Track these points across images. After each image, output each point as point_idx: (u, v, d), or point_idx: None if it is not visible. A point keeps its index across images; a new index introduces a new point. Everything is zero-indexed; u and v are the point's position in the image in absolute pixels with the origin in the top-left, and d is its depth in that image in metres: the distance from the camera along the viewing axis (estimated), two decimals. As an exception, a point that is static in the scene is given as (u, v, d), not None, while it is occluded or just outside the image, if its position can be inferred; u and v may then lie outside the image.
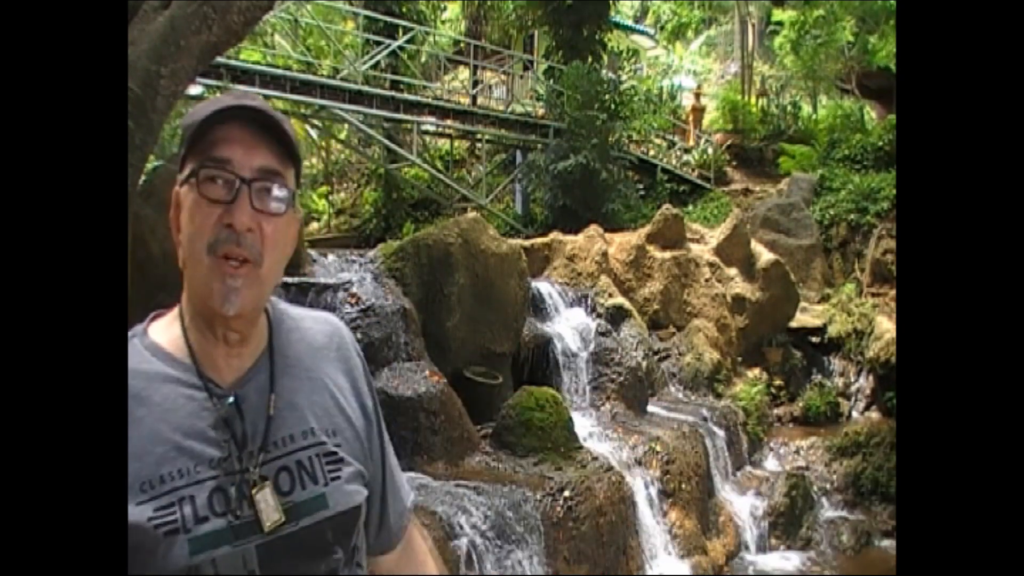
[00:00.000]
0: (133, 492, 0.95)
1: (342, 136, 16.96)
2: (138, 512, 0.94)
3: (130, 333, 1.08)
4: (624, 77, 14.67)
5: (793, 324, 8.89)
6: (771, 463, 7.33)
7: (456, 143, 16.86)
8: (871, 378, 8.45)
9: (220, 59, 9.01)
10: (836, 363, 8.90)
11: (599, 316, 7.31)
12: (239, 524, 0.96)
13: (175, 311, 1.08)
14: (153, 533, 0.93)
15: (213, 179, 0.98)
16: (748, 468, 7.00)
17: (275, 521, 0.97)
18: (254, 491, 0.98)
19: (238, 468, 0.98)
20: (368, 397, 1.16)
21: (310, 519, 1.00)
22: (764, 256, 8.61)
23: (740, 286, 8.38)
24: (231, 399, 1.01)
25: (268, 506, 0.97)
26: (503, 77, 16.62)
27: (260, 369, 1.06)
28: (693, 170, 15.22)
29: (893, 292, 9.24)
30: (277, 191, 1.00)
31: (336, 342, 1.16)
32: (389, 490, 1.19)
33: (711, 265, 8.41)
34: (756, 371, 8.25)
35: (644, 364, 6.88)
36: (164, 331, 1.07)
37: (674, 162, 15.34)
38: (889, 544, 6.49)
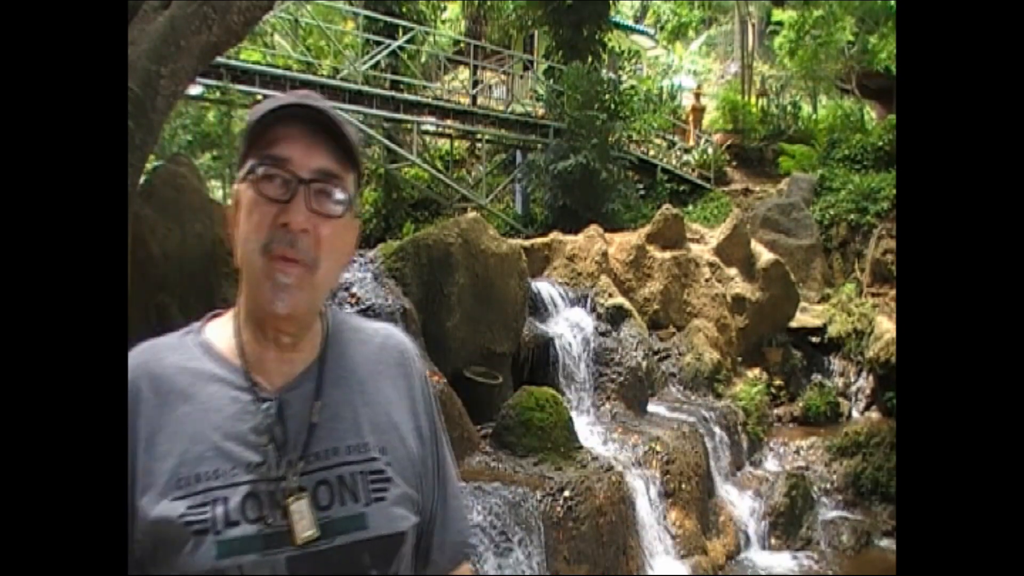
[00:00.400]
0: (169, 487, 0.94)
1: (342, 136, 16.93)
2: (171, 508, 0.93)
3: (185, 330, 1.08)
4: (624, 77, 14.67)
5: (793, 324, 8.89)
6: (771, 463, 7.32)
7: (456, 143, 16.85)
8: (871, 378, 8.44)
9: (220, 59, 9.00)
10: (836, 363, 8.90)
11: (599, 316, 7.31)
12: (270, 533, 0.94)
13: (232, 311, 1.07)
14: (183, 530, 0.92)
15: (271, 178, 0.97)
16: (748, 468, 7.00)
17: (308, 535, 0.94)
18: (289, 501, 0.94)
19: (275, 475, 0.96)
20: (424, 419, 1.11)
21: (346, 538, 0.96)
22: (764, 256, 8.61)
23: (740, 286, 8.38)
24: (274, 404, 0.99)
25: (303, 518, 0.94)
26: (503, 77, 16.62)
27: (309, 377, 1.03)
28: (693, 170, 15.22)
29: (893, 292, 9.24)
30: (335, 193, 0.99)
31: (395, 357, 1.12)
32: (439, 521, 1.12)
33: (711, 265, 8.40)
34: (756, 371, 8.25)
35: (644, 364, 6.87)
36: (219, 330, 1.06)
37: (674, 162, 15.33)
38: (889, 544, 6.49)
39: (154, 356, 1.02)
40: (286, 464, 0.97)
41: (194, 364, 1.02)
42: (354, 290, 5.19)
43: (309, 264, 0.97)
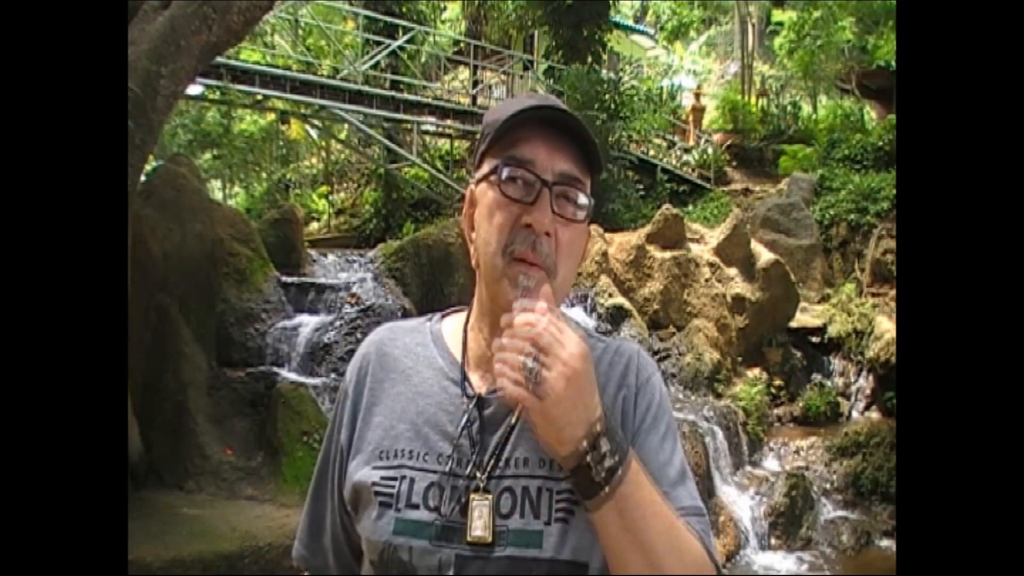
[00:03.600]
0: (372, 456, 1.00)
1: (342, 136, 16.95)
2: (369, 474, 0.99)
3: (429, 316, 1.14)
4: (625, 78, 14.67)
5: (793, 324, 8.89)
6: (771, 463, 7.32)
7: (456, 143, 16.85)
8: (871, 378, 8.44)
9: (220, 59, 9.01)
10: (836, 363, 8.89)
11: (599, 316, 7.31)
12: (445, 525, 0.94)
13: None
14: (373, 497, 0.97)
15: (514, 179, 0.96)
16: (748, 468, 7.00)
17: (479, 536, 0.93)
18: (472, 498, 0.94)
19: (460, 472, 0.96)
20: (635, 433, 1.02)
21: (517, 551, 0.92)
22: (764, 256, 8.61)
23: (740, 286, 8.38)
24: (474, 402, 0.99)
25: (480, 518, 0.93)
26: (503, 77, 16.63)
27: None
28: (693, 170, 15.21)
29: (893, 292, 9.24)
30: (577, 197, 0.98)
31: (620, 370, 1.04)
32: None
33: (711, 265, 8.41)
34: (756, 371, 8.25)
35: (644, 364, 6.86)
36: (453, 323, 1.10)
37: (674, 162, 15.33)
38: (889, 544, 6.49)
39: (390, 335, 1.10)
40: (475, 463, 0.96)
41: (419, 349, 1.07)
42: (354, 290, 5.19)
43: (549, 268, 0.96)
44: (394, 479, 0.97)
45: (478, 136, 1.05)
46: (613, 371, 1.04)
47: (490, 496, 0.94)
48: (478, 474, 0.95)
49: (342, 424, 1.06)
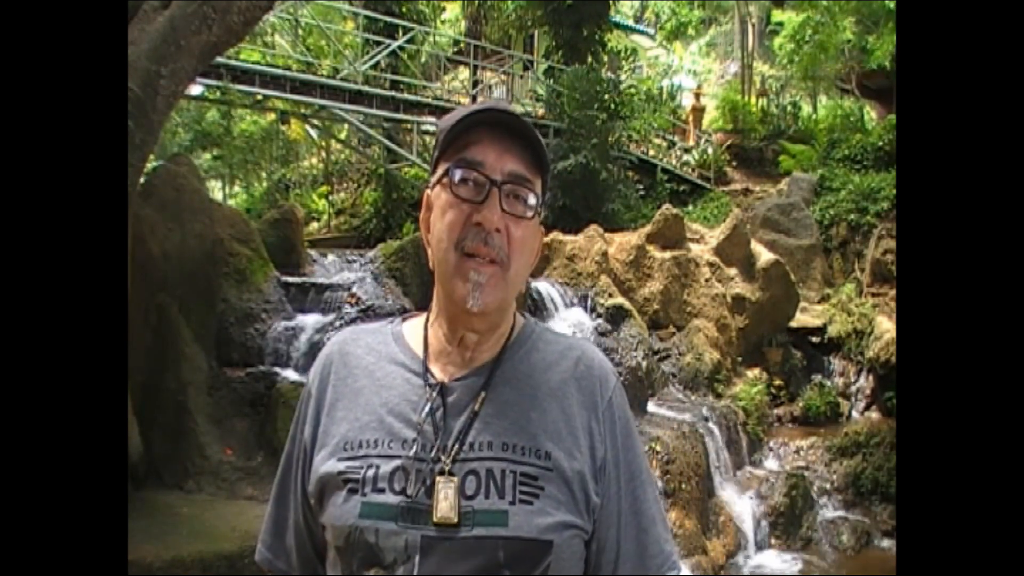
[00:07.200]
0: (338, 448, 1.03)
1: (342, 136, 16.95)
2: (335, 466, 1.02)
3: (390, 319, 1.19)
4: (624, 77, 14.67)
5: (793, 324, 8.89)
6: (771, 463, 7.33)
7: (456, 143, 16.78)
8: (871, 378, 8.45)
9: (220, 59, 9.00)
10: (836, 363, 8.90)
11: (599, 316, 7.31)
12: (410, 507, 0.97)
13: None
14: (340, 483, 1.01)
15: (465, 180, 1.02)
16: (748, 468, 7.00)
17: (445, 517, 0.96)
18: (438, 480, 0.97)
19: (425, 456, 0.99)
20: (603, 442, 1.05)
21: (484, 531, 0.96)
22: (764, 256, 8.61)
23: (740, 286, 8.38)
24: (437, 389, 1.04)
25: (445, 500, 0.96)
26: (503, 77, 16.63)
27: (482, 372, 1.06)
28: (693, 170, 15.21)
29: (893, 292, 9.24)
30: (526, 197, 1.04)
31: (582, 372, 1.09)
32: (632, 557, 1.06)
33: (711, 265, 8.41)
34: (756, 371, 8.25)
35: (644, 364, 6.87)
36: (414, 323, 1.15)
37: (674, 162, 15.33)
38: (889, 544, 6.49)
39: (352, 336, 1.14)
40: (439, 447, 1.00)
41: (381, 347, 1.11)
42: (354, 290, 5.19)
43: (502, 262, 1.01)
44: (360, 468, 1.00)
45: (432, 143, 1.10)
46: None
47: (455, 478, 0.98)
48: (443, 457, 0.99)
49: (305, 422, 1.10)
